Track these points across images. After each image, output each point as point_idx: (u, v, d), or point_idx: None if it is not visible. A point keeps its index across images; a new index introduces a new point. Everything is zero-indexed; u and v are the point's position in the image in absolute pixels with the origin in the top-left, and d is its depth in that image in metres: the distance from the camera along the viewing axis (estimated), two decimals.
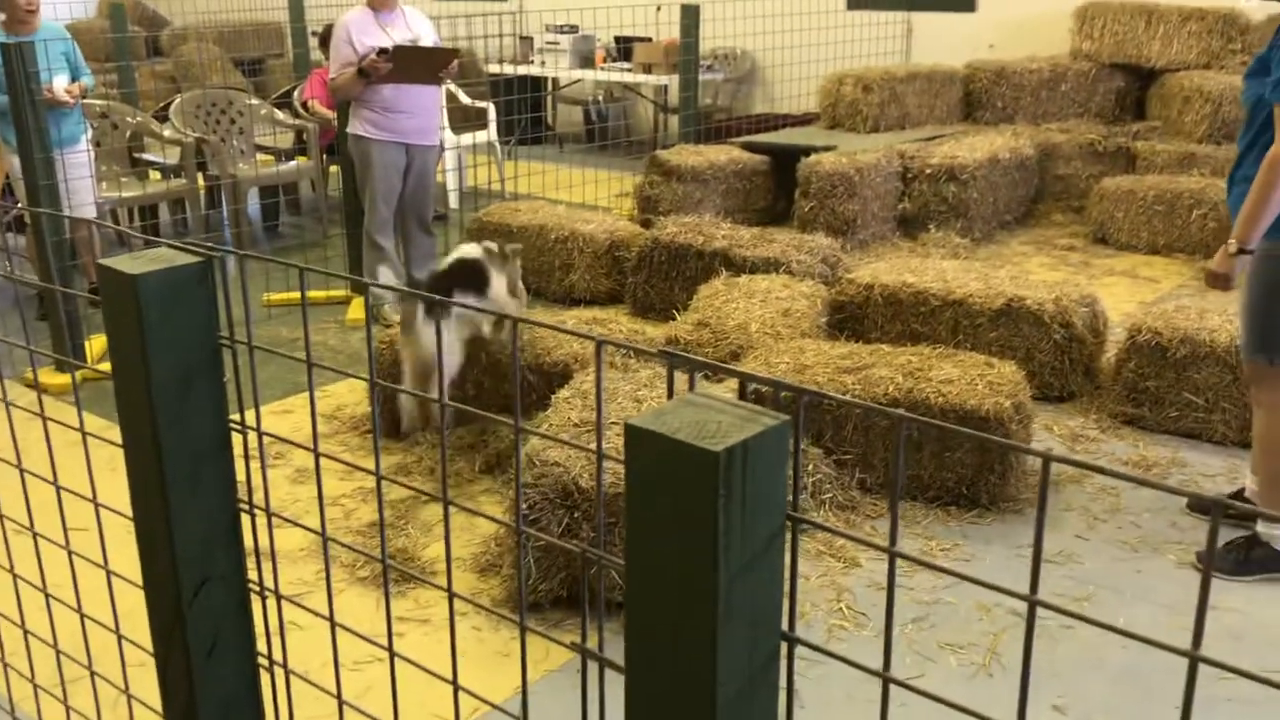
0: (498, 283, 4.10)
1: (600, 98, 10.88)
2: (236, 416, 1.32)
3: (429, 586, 3.26)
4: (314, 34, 8.73)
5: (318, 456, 1.23)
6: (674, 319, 4.95)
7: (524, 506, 3.07)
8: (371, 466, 4.04)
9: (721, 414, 0.91)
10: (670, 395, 0.98)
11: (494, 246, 4.22)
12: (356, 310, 5.99)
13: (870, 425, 3.78)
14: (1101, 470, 0.79)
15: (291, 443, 1.27)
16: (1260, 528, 3.35)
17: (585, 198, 7.74)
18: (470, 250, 4.18)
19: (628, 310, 5.88)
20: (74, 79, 5.61)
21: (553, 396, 3.67)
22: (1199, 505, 3.65)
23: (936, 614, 3.16)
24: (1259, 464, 3.32)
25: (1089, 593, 3.26)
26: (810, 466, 3.70)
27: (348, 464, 1.18)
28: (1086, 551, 3.48)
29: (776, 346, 4.17)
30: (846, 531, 1.26)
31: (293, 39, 9.38)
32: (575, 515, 3.06)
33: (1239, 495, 3.62)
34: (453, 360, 3.96)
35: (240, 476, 1.35)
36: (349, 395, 4.78)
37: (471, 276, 4.05)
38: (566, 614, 3.15)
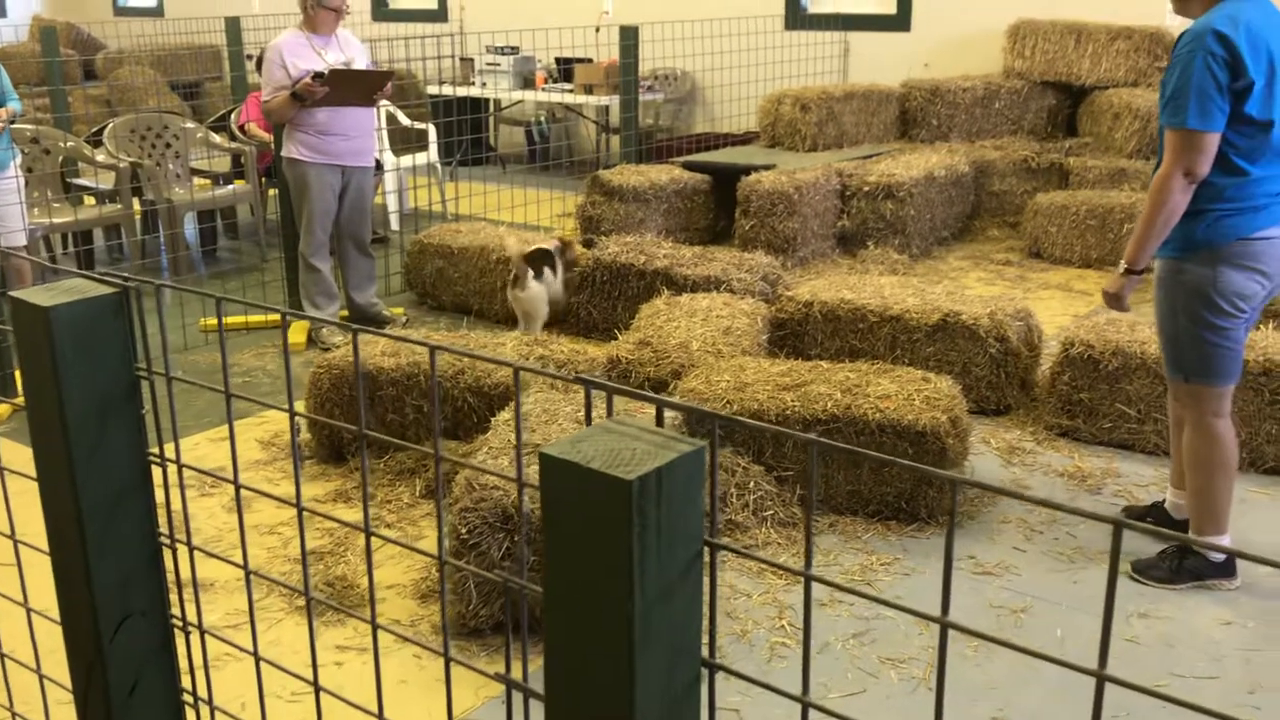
0: (557, 273, 5.77)
1: (542, 118, 10.88)
2: (156, 449, 1.30)
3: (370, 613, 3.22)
4: (249, 56, 8.66)
5: (238, 489, 1.22)
6: (616, 338, 4.96)
7: (464, 530, 3.05)
8: (306, 494, 3.99)
9: (637, 441, 0.91)
10: (589, 421, 0.99)
11: (563, 245, 5.86)
12: (297, 334, 5.93)
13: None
14: (1007, 493, 0.80)
15: (212, 474, 1.25)
16: (1194, 536, 3.41)
17: (527, 218, 7.74)
18: (547, 244, 5.82)
19: (570, 330, 5.88)
20: (1, 104, 5.52)
21: (492, 419, 3.66)
22: (1134, 516, 3.71)
23: (877, 629, 3.18)
24: (1187, 478, 3.37)
25: (1026, 604, 3.30)
26: (751, 484, 3.72)
27: (270, 496, 1.17)
28: (1024, 563, 3.52)
29: (717, 364, 4.18)
30: (761, 556, 1.27)
31: (230, 62, 9.29)
32: (515, 539, 3.05)
33: (1159, 506, 3.69)
34: (544, 307, 5.62)
35: (169, 508, 1.33)
36: (288, 420, 4.73)
37: (544, 259, 5.67)
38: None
